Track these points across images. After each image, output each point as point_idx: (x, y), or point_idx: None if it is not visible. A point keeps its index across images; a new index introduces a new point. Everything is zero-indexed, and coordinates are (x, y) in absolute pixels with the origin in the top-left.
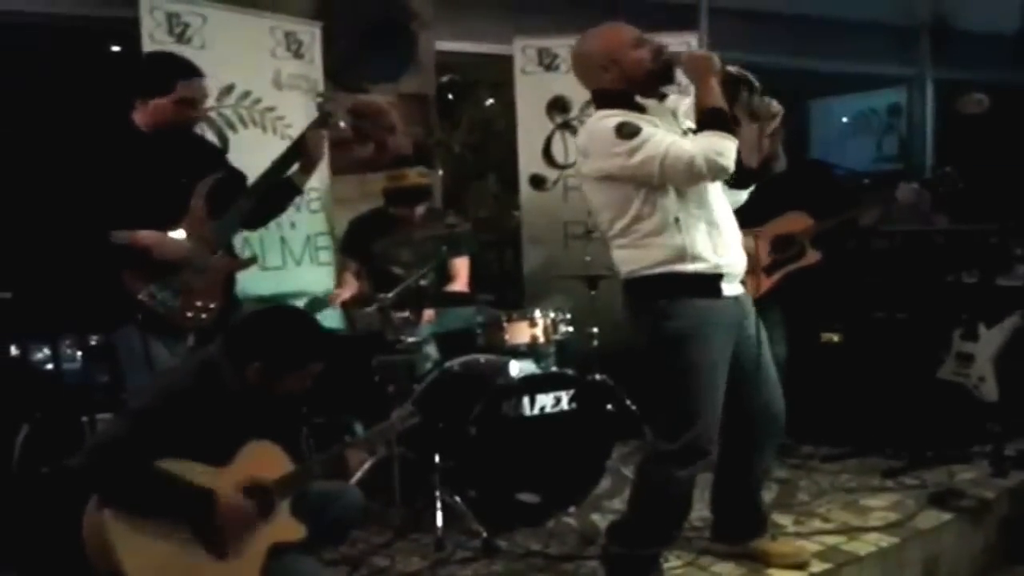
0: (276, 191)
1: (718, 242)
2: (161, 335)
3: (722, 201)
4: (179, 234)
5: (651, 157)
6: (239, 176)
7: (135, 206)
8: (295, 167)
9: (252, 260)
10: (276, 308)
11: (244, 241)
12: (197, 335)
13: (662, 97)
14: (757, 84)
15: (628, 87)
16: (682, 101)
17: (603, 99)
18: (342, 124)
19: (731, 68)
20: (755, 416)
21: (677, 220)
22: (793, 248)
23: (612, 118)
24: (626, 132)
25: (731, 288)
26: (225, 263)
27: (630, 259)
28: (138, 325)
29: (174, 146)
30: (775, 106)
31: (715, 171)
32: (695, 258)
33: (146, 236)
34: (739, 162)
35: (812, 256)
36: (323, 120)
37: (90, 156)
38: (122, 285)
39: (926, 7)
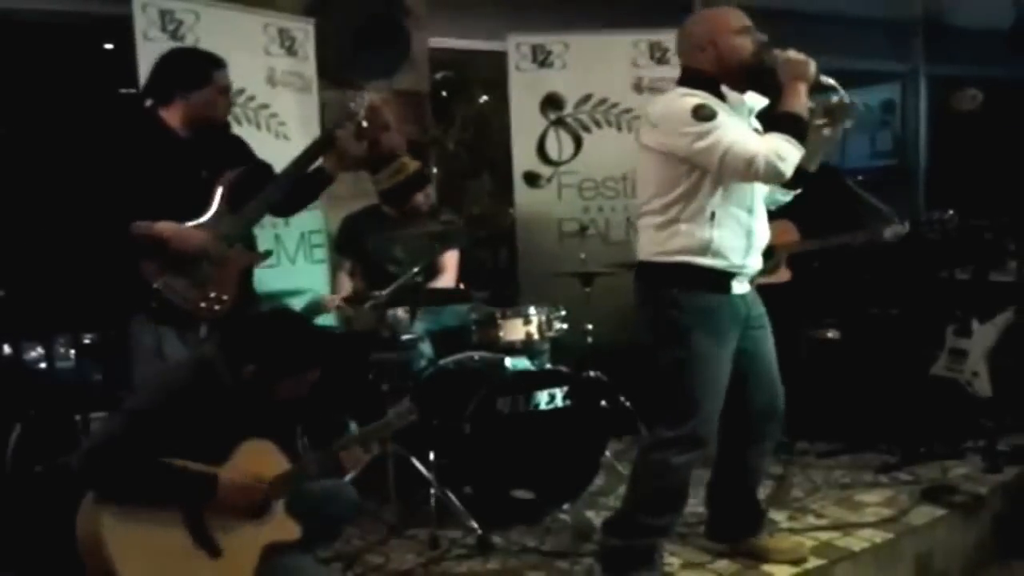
0: (309, 180)
1: (743, 245)
2: (174, 325)
3: (762, 208)
4: (198, 226)
5: (716, 144)
6: (265, 169)
7: (156, 200)
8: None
9: (268, 254)
10: (277, 311)
11: None
12: (210, 326)
13: (743, 91)
14: (848, 100)
15: (719, 72)
16: (760, 101)
17: (690, 79)
18: (364, 124)
19: (825, 79)
20: (755, 413)
21: (713, 215)
22: (770, 260)
23: (692, 98)
24: (703, 115)
25: (740, 287)
26: (241, 256)
27: (653, 242)
28: (152, 315)
29: (202, 142)
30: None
31: (772, 174)
32: (715, 254)
33: (164, 227)
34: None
35: (784, 274)
36: (349, 120)
37: (116, 153)
38: (138, 274)
39: (920, 3)
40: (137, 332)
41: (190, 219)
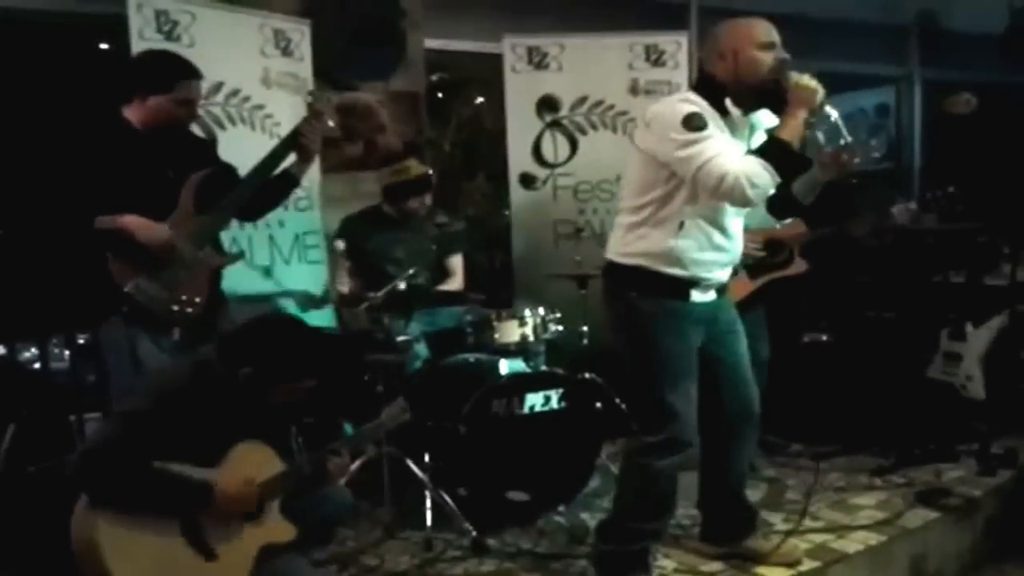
0: (274, 183)
1: (708, 258)
2: (147, 329)
3: (738, 225)
4: (166, 228)
5: (696, 156)
6: (230, 171)
7: (123, 200)
8: (292, 160)
9: (239, 256)
10: (278, 317)
11: (232, 239)
12: (183, 329)
13: (748, 109)
14: (847, 139)
15: (731, 84)
16: (771, 120)
17: (702, 84)
18: (331, 123)
19: (830, 110)
20: (732, 417)
21: (682, 224)
22: (781, 254)
23: (688, 105)
24: (691, 124)
25: (702, 295)
26: (211, 258)
27: (620, 241)
28: (124, 318)
29: (165, 142)
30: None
31: (738, 198)
32: (676, 263)
33: (129, 220)
34: (792, 195)
35: (799, 265)
36: (314, 118)
37: (80, 150)
38: (109, 277)
39: (914, 7)
40: (109, 336)
41: (159, 219)
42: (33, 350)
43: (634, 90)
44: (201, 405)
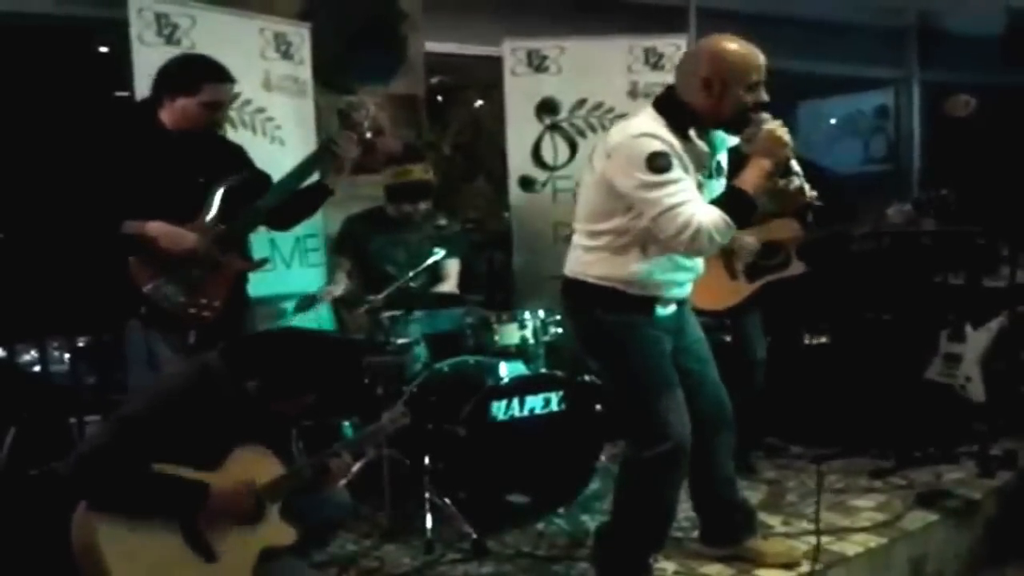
0: (308, 193)
1: (670, 279)
2: (163, 331)
3: None
4: (192, 231)
5: (659, 200)
6: (263, 178)
7: (151, 202)
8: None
9: (263, 261)
10: (289, 332)
11: None
12: (199, 332)
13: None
14: (808, 194)
15: (704, 114)
16: (732, 140)
17: (670, 106)
18: (368, 135)
19: (794, 164)
20: (708, 425)
21: (644, 250)
22: (778, 256)
23: (653, 142)
24: (656, 166)
25: (665, 310)
26: (235, 262)
27: (579, 261)
28: (142, 320)
29: (195, 145)
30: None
31: (696, 249)
32: (640, 286)
33: (154, 227)
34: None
35: (797, 267)
36: (350, 128)
37: (108, 151)
38: (128, 280)
39: (913, 10)
40: (130, 337)
41: (186, 222)
42: (33, 352)
43: (633, 93)
44: (202, 410)
